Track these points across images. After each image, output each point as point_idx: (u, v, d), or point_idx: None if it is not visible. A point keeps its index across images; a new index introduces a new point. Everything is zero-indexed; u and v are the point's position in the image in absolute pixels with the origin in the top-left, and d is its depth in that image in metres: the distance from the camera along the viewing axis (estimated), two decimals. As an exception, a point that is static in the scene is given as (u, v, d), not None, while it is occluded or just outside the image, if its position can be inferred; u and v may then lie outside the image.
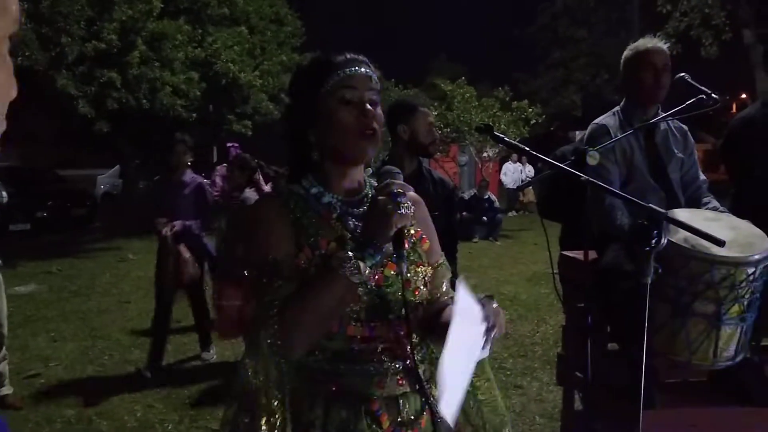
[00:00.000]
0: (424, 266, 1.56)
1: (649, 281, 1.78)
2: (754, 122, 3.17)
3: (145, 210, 17.21)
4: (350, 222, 1.50)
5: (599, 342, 2.97)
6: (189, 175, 5.56)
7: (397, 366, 1.48)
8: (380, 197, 1.38)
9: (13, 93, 0.75)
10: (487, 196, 13.94)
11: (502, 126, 15.98)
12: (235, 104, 17.00)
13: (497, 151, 16.85)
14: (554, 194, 3.83)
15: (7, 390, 4.59)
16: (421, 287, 1.54)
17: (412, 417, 1.49)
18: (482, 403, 1.62)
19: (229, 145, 6.93)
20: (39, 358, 5.68)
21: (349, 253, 1.35)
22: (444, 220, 3.52)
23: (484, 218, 13.57)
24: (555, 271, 3.03)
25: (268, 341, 1.35)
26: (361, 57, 1.52)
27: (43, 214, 14.40)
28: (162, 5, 14.03)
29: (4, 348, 4.52)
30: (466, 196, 14.31)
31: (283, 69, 18.52)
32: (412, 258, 1.53)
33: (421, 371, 1.51)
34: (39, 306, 7.69)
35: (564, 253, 3.27)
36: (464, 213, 12.98)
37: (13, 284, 8.06)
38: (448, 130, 16.39)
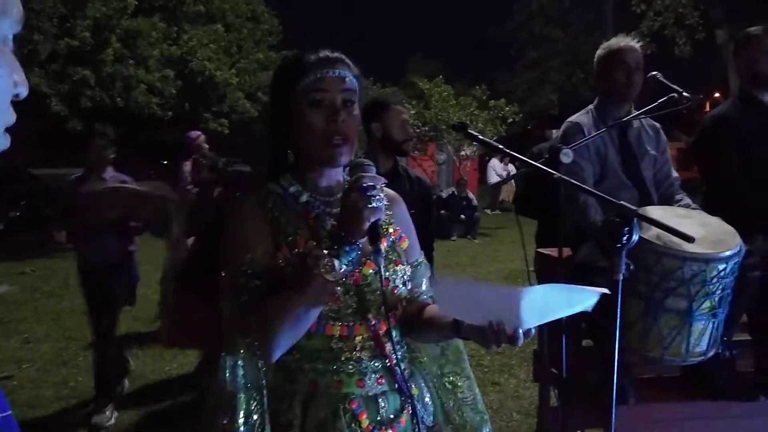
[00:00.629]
0: (403, 264, 1.56)
1: (621, 278, 1.78)
2: (725, 120, 3.21)
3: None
4: (329, 221, 1.50)
5: (574, 339, 2.99)
6: (110, 173, 4.72)
7: (377, 364, 1.48)
8: (351, 193, 1.36)
9: (23, 91, 0.74)
10: (465, 194, 13.99)
11: (480, 124, 16.04)
12: (211, 102, 16.91)
13: (475, 149, 16.91)
14: (530, 191, 3.87)
15: None
16: (400, 286, 1.53)
17: (392, 416, 1.49)
18: (462, 401, 1.63)
19: (191, 134, 6.48)
20: (12, 359, 5.59)
21: (324, 251, 1.33)
22: (421, 218, 3.53)
23: (462, 216, 13.61)
24: (531, 268, 3.05)
25: (247, 341, 1.34)
26: (336, 55, 1.49)
27: (15, 213, 14.18)
28: (136, 2, 13.93)
29: None
30: (444, 194, 14.34)
31: (260, 67, 18.46)
32: (390, 257, 1.52)
33: (400, 370, 1.50)
34: (11, 307, 7.57)
35: (539, 250, 3.30)
36: (442, 211, 13.01)
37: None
38: (426, 128, 16.43)
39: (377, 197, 1.34)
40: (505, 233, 14.07)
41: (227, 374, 1.33)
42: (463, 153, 16.96)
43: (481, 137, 1.98)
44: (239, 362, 1.33)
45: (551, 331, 2.86)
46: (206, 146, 6.25)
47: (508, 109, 17.14)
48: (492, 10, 31.03)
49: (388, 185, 3.47)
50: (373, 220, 1.34)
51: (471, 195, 14.28)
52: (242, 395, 1.32)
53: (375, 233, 1.36)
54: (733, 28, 20.20)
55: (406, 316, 1.56)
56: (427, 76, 19.26)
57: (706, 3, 20.46)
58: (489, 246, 12.60)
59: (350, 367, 1.45)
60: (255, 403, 1.34)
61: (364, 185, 1.34)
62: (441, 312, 1.49)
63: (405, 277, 1.55)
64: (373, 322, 1.48)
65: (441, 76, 17.88)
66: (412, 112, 16.16)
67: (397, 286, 1.52)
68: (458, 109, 16.61)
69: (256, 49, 18.63)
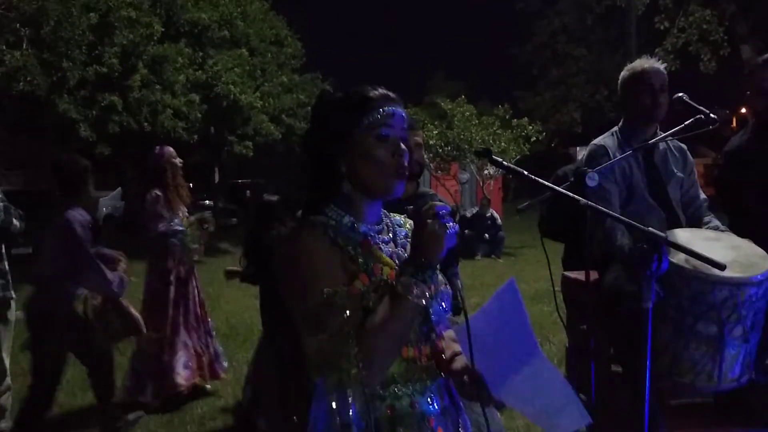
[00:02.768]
0: (446, 286, 1.64)
1: (650, 306, 1.75)
2: (742, 152, 3.18)
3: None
4: (386, 249, 1.57)
5: (603, 364, 2.94)
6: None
7: (439, 381, 1.57)
8: (429, 220, 1.41)
9: None
10: (489, 214, 13.94)
11: (503, 144, 16.00)
12: (235, 126, 17.09)
13: (498, 168, 16.85)
14: (555, 214, 3.84)
15: (5, 424, 4.28)
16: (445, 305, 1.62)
17: (454, 428, 1.58)
18: (494, 422, 1.73)
19: (158, 151, 5.40)
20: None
21: (411, 276, 1.39)
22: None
23: (486, 236, 13.56)
24: (557, 288, 3.01)
25: (353, 372, 1.36)
26: (394, 95, 1.57)
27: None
28: (163, 29, 14.17)
29: (7, 379, 4.43)
30: (468, 214, 14.31)
31: (284, 90, 18.64)
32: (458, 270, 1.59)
33: (454, 386, 1.61)
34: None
35: (566, 273, 3.26)
36: (466, 231, 12.97)
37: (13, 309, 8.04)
38: (449, 148, 16.41)
39: (452, 223, 1.42)
40: (529, 253, 13.97)
41: (338, 407, 1.37)
42: (486, 172, 16.91)
43: (505, 163, 1.97)
44: (349, 393, 1.36)
45: (579, 356, 2.82)
46: (179, 162, 5.33)
47: (531, 127, 17.07)
48: (514, 29, 31.10)
49: (410, 208, 3.46)
50: (449, 245, 1.42)
51: (495, 214, 14.22)
52: (354, 429, 1.37)
53: (449, 257, 1.50)
54: (758, 44, 20.04)
55: None
56: (450, 95, 19.28)
57: (730, 19, 20.32)
58: (514, 266, 12.51)
59: (418, 386, 1.52)
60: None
61: (440, 212, 1.41)
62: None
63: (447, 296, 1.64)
64: (436, 341, 1.58)
65: (463, 96, 17.88)
66: (435, 132, 16.18)
67: (462, 300, 1.64)
68: (481, 129, 16.57)
69: (279, 73, 18.82)
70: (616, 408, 2.92)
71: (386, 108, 1.52)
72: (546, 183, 1.91)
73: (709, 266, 2.33)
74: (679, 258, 2.38)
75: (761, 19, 20.73)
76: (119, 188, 19.69)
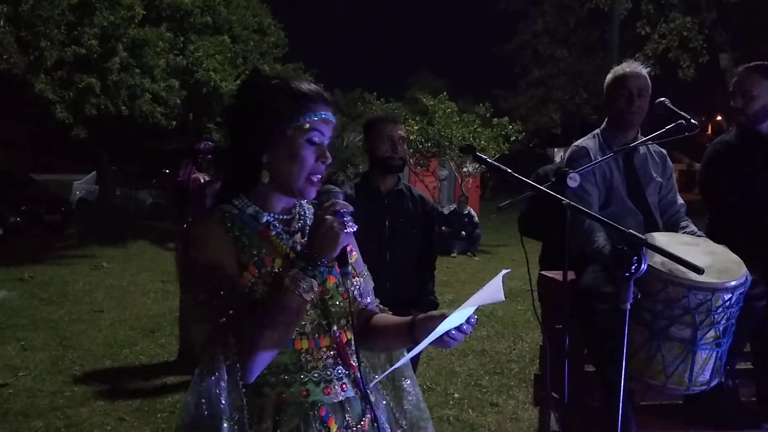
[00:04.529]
0: (358, 277, 1.66)
1: (628, 307, 1.77)
2: (728, 149, 3.22)
3: (121, 217, 17.01)
4: (290, 240, 1.56)
5: (576, 363, 2.97)
6: None
7: (340, 372, 1.56)
8: (327, 216, 1.43)
9: None
10: (466, 211, 13.98)
11: (482, 142, 16.06)
12: (215, 113, 16.88)
13: (477, 166, 16.90)
14: (534, 213, 3.86)
15: None
16: (358, 297, 1.65)
17: (356, 421, 1.57)
18: (408, 402, 1.72)
19: (202, 140, 6.36)
20: (8, 367, 5.56)
21: (301, 271, 1.40)
22: (423, 236, 3.53)
23: (463, 233, 13.60)
24: (533, 288, 3.04)
25: (227, 363, 1.36)
26: (326, 95, 1.57)
27: (16, 219, 14.17)
28: (144, 12, 13.95)
29: None
30: (446, 210, 14.34)
31: (265, 79, 18.49)
32: (349, 269, 1.59)
33: (362, 376, 1.59)
34: (9, 314, 7.54)
35: (543, 273, 3.28)
36: (443, 227, 13.00)
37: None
38: (429, 144, 16.43)
39: (350, 223, 1.43)
40: (505, 251, 14.05)
41: (207, 398, 1.35)
42: (465, 169, 16.95)
43: (489, 160, 1.98)
44: (222, 384, 1.35)
45: (553, 355, 2.84)
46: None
47: (511, 127, 17.15)
48: (497, 28, 31.16)
49: (390, 203, 3.46)
50: (345, 243, 1.45)
51: (473, 212, 14.27)
52: (225, 420, 1.34)
53: (344, 255, 1.48)
54: (736, 53, 20.34)
55: (357, 326, 1.63)
56: (432, 92, 19.30)
57: (710, 27, 20.59)
58: (489, 263, 12.57)
59: (315, 375, 1.53)
60: (236, 425, 1.37)
61: (341, 210, 1.43)
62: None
63: (360, 288, 1.66)
64: (337, 334, 1.56)
65: (445, 93, 17.91)
66: (416, 127, 16.18)
67: (355, 298, 1.63)
68: (461, 126, 16.61)
69: (261, 61, 18.62)
70: (588, 407, 2.96)
71: (322, 113, 1.53)
72: (529, 182, 1.92)
73: (685, 271, 2.37)
74: (655, 261, 2.41)
75: (740, 29, 21.04)
76: (94, 172, 19.40)
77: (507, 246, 14.63)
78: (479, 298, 1.49)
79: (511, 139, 17.07)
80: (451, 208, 14.46)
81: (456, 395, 5.01)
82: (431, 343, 1.49)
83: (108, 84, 13.58)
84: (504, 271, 1.57)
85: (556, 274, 3.12)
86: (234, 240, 1.50)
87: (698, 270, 1.72)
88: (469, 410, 4.72)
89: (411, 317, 1.59)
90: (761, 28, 20.12)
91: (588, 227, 2.87)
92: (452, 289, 9.24)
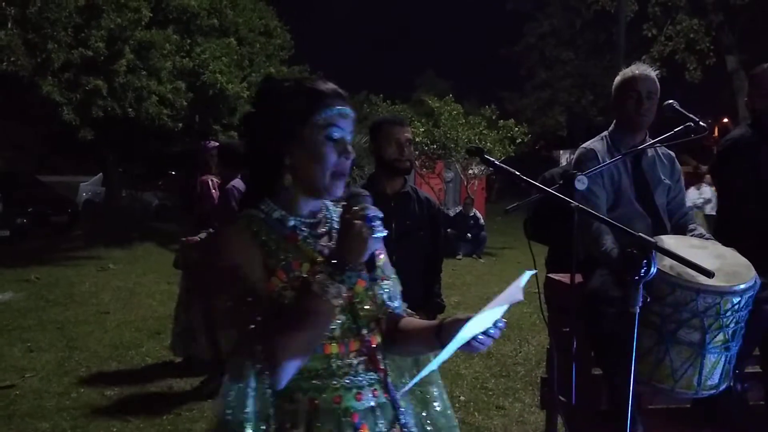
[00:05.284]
0: (386, 280, 1.63)
1: (638, 310, 1.76)
2: (742, 143, 3.21)
3: (128, 219, 17.02)
4: (317, 244, 1.54)
5: (583, 366, 2.96)
6: None
7: (371, 377, 1.54)
8: (356, 221, 1.39)
9: None
10: (472, 213, 13.98)
11: (488, 144, 16.03)
12: (221, 115, 16.93)
13: (483, 168, 16.90)
14: (541, 216, 3.84)
15: None
16: (386, 300, 1.61)
17: (388, 427, 1.54)
18: (434, 409, 1.68)
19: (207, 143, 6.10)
20: (14, 368, 5.57)
21: (329, 276, 1.37)
22: (429, 238, 3.52)
23: (469, 235, 13.60)
24: (540, 291, 3.03)
25: (255, 370, 1.34)
26: (344, 93, 1.55)
27: (23, 220, 14.22)
28: (151, 14, 13.98)
29: None
30: (451, 212, 14.33)
31: (271, 81, 18.50)
32: (378, 274, 1.58)
33: (390, 381, 1.57)
34: (15, 315, 7.57)
35: (550, 275, 3.27)
36: (449, 230, 12.99)
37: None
38: (435, 146, 16.42)
39: (379, 228, 1.40)
40: (510, 254, 14.04)
41: (233, 404, 1.33)
42: (471, 171, 16.94)
43: (497, 163, 1.97)
44: (249, 392, 1.33)
45: (560, 358, 2.83)
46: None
47: (517, 129, 17.13)
48: (503, 30, 31.16)
49: (397, 205, 3.44)
50: (373, 249, 1.42)
51: (478, 214, 14.26)
52: (249, 427, 1.33)
53: (372, 260, 1.47)
54: (743, 55, 20.28)
55: (385, 330, 1.61)
56: (437, 94, 19.29)
57: (717, 29, 20.53)
58: (494, 266, 12.56)
59: (347, 381, 1.50)
60: None
61: (369, 215, 1.40)
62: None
63: (389, 291, 1.63)
64: (367, 338, 1.54)
65: (451, 95, 17.90)
66: (421, 129, 16.17)
67: (384, 302, 1.59)
68: (467, 128, 16.59)
69: (267, 64, 18.65)
70: (596, 410, 2.94)
71: (339, 108, 1.50)
72: (538, 184, 1.91)
73: (694, 274, 2.35)
74: (663, 264, 2.40)
75: (747, 31, 20.98)
76: (100, 174, 19.45)
77: (513, 248, 14.61)
78: (501, 299, 1.45)
79: (517, 141, 17.04)
80: (457, 211, 14.47)
81: (462, 398, 5.00)
82: (459, 347, 1.46)
83: (115, 86, 13.62)
84: (529, 272, 1.52)
85: (563, 277, 3.11)
86: (261, 245, 1.48)
87: (708, 273, 1.71)
88: (475, 413, 4.70)
89: (438, 321, 1.55)
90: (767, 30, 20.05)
91: (596, 230, 2.86)
92: (458, 292, 9.23)
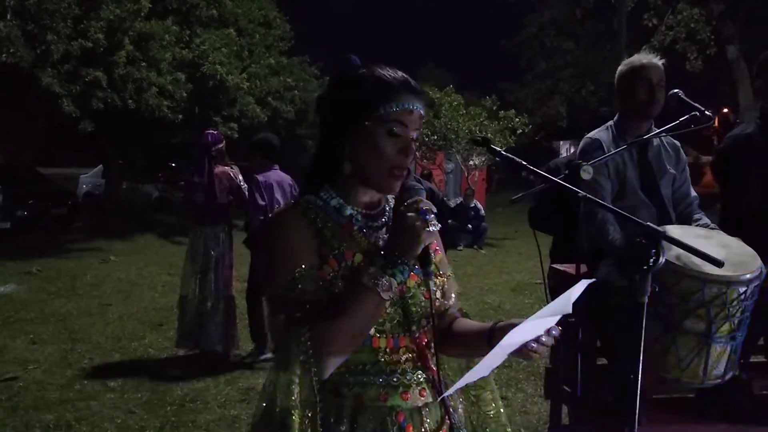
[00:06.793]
0: (441, 277, 1.58)
1: (646, 300, 1.75)
2: (748, 140, 3.18)
3: (128, 211, 16.99)
4: (373, 235, 1.51)
5: (588, 357, 2.96)
6: None
7: (419, 376, 1.50)
8: (409, 214, 1.37)
9: None
10: (473, 204, 13.97)
11: (489, 135, 16.02)
12: (221, 106, 16.89)
13: (483, 159, 16.89)
14: (545, 206, 3.84)
15: None
16: (440, 298, 1.57)
17: (435, 427, 1.50)
18: (486, 415, 1.63)
19: (208, 133, 5.98)
20: (17, 361, 5.58)
21: (380, 269, 1.35)
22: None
23: (470, 226, 13.60)
24: (538, 281, 3.03)
25: (301, 359, 1.32)
26: (417, 87, 1.49)
27: (23, 212, 14.18)
28: (150, 5, 13.91)
29: None
30: (452, 203, 14.32)
31: (271, 72, 18.46)
32: (431, 269, 1.52)
33: (441, 381, 1.51)
34: (17, 307, 7.57)
35: (554, 266, 3.27)
36: (450, 221, 12.99)
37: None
38: (435, 137, 16.40)
39: (434, 222, 1.37)
40: (511, 244, 14.05)
41: (280, 391, 1.32)
42: (471, 162, 16.93)
43: (503, 153, 1.95)
44: (294, 379, 1.31)
45: (565, 348, 2.83)
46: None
47: (518, 120, 17.11)
48: (503, 21, 31.04)
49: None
50: (427, 243, 1.38)
51: (479, 205, 14.26)
52: (296, 414, 1.30)
53: (427, 256, 1.41)
54: (744, 45, 20.20)
55: (438, 329, 1.56)
56: (438, 85, 19.25)
57: (718, 19, 20.45)
58: (495, 257, 12.57)
59: (395, 379, 1.46)
60: (308, 421, 1.33)
61: (423, 208, 1.37)
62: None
63: (443, 289, 1.58)
64: (417, 334, 1.50)
65: (451, 86, 17.86)
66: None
67: (436, 299, 1.54)
68: (468, 119, 16.58)
69: (267, 54, 18.59)
70: (600, 400, 2.94)
71: (405, 103, 1.45)
72: (545, 174, 1.90)
73: (700, 264, 2.36)
74: (670, 254, 2.39)
75: (747, 21, 20.89)
76: (100, 165, 19.40)
77: (513, 239, 14.62)
78: (551, 309, 1.42)
79: (518, 131, 17.03)
80: (458, 201, 14.46)
81: (464, 388, 5.00)
82: (512, 354, 1.43)
83: (114, 77, 13.56)
84: (585, 282, 1.49)
85: (567, 267, 3.11)
86: (316, 232, 1.46)
87: (717, 263, 1.70)
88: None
89: (492, 323, 1.52)
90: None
91: (601, 220, 2.85)
92: (459, 283, 9.18)
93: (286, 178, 5.78)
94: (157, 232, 14.72)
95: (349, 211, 1.50)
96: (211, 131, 5.99)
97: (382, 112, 1.44)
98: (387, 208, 1.58)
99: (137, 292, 8.62)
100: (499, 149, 1.92)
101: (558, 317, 1.43)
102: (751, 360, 2.99)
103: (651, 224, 1.70)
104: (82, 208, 16.81)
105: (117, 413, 4.44)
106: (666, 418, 2.97)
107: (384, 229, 1.54)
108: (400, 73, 1.49)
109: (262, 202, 5.49)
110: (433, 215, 1.38)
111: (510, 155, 1.99)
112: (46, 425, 4.24)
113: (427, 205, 1.38)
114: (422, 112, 1.49)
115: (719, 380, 2.56)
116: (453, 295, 1.64)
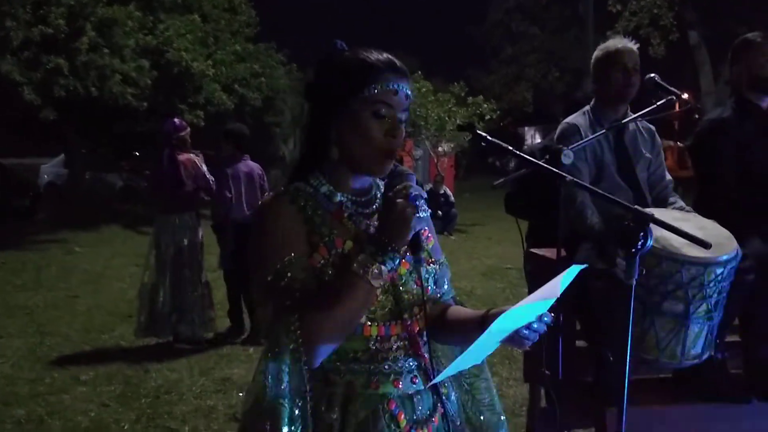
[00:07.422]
0: (434, 264, 1.57)
1: (634, 283, 1.77)
2: (724, 124, 3.22)
3: (92, 201, 16.65)
4: (363, 222, 1.49)
5: (567, 339, 2.99)
6: None
7: (411, 364, 1.48)
8: (398, 200, 1.35)
9: None
10: (442, 191, 14.02)
11: (458, 121, 16.07)
12: (186, 94, 16.60)
13: (452, 145, 16.94)
14: (521, 191, 3.86)
15: None
16: (432, 285, 1.55)
17: (426, 415, 1.49)
18: (480, 402, 1.62)
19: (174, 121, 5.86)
20: (-17, 356, 5.45)
21: (370, 256, 1.33)
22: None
23: (440, 212, 13.65)
24: (508, 266, 3.05)
25: (291, 347, 1.30)
26: (403, 66, 1.47)
27: (-16, 204, 13.86)
28: (112, -10, 13.63)
29: None
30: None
31: (237, 59, 18.21)
32: (423, 256, 1.51)
33: (433, 369, 1.51)
34: (-19, 301, 7.40)
35: (532, 250, 3.28)
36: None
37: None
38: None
39: (423, 207, 1.36)
40: (481, 230, 14.16)
41: (270, 380, 1.30)
42: (440, 149, 16.98)
43: (489, 138, 1.95)
44: (284, 368, 1.30)
45: (546, 331, 2.86)
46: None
47: (486, 106, 17.18)
48: (470, 6, 31.10)
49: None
50: (418, 229, 1.37)
51: (448, 191, 14.32)
52: (286, 402, 1.29)
53: (417, 242, 1.40)
54: (705, 30, 20.55)
55: (431, 316, 1.54)
56: (405, 71, 19.19)
57: (680, 4, 20.74)
58: (465, 242, 12.65)
59: (386, 367, 1.45)
60: (298, 410, 1.32)
61: (413, 194, 1.35)
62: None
63: (435, 276, 1.57)
64: (409, 322, 1.48)
65: (419, 72, 17.85)
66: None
67: (428, 286, 1.53)
68: (436, 106, 16.60)
69: (233, 41, 18.33)
70: (581, 382, 2.98)
71: (390, 84, 1.43)
72: (530, 158, 1.90)
73: (679, 246, 2.40)
74: (649, 237, 2.42)
75: (709, 6, 21.23)
76: (62, 155, 19.02)
77: (483, 225, 14.74)
78: (541, 293, 1.41)
79: (486, 117, 17.10)
80: (427, 188, 14.48)
81: (440, 373, 5.03)
82: (503, 341, 1.41)
83: (77, 65, 13.25)
84: (577, 268, 1.49)
85: (545, 252, 3.13)
86: (306, 219, 1.43)
87: (705, 245, 1.73)
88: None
89: (484, 312, 1.49)
90: (729, 6, 20.31)
91: (579, 204, 2.88)
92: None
93: (256, 168, 5.78)
94: (123, 223, 14.49)
95: (339, 197, 1.49)
96: (174, 119, 5.91)
97: (367, 93, 1.42)
98: (377, 195, 1.56)
99: (104, 284, 8.49)
100: (485, 134, 1.92)
101: (549, 303, 1.43)
102: (727, 340, 3.05)
103: (639, 207, 1.72)
104: (44, 199, 16.46)
105: (90, 406, 4.37)
106: (645, 398, 3.00)
107: (375, 216, 1.51)
108: (384, 55, 1.47)
109: (228, 195, 5.52)
110: (423, 200, 1.37)
111: (496, 140, 1.99)
112: (17, 420, 4.16)
113: (416, 190, 1.37)
114: (408, 92, 1.48)
115: (697, 360, 2.61)
116: (446, 283, 1.63)
